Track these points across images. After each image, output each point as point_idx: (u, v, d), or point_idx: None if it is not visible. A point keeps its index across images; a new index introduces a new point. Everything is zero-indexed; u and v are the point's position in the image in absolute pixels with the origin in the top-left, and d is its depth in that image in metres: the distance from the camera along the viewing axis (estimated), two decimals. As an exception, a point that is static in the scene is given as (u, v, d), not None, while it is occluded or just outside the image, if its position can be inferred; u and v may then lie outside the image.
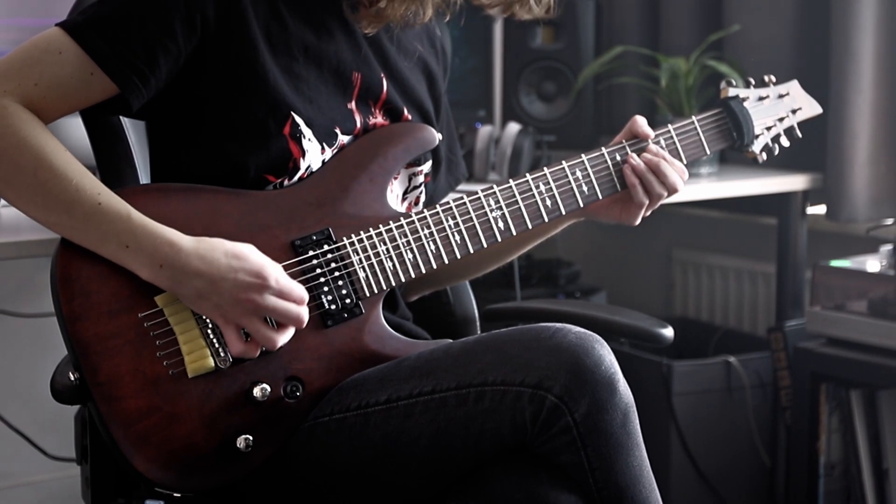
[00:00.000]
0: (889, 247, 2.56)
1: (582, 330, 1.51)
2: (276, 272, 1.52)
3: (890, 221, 2.56)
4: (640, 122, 1.77)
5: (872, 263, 2.59)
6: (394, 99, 1.73)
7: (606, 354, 1.48)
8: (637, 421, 1.50)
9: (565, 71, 2.92)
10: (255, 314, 1.51)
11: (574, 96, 2.91)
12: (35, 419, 2.77)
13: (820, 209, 2.83)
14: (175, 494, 1.57)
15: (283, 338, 1.53)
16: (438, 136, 1.73)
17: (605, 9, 3.12)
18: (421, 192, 1.78)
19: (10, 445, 2.78)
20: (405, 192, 1.76)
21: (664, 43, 3.04)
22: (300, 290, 1.54)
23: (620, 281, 3.41)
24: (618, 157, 1.75)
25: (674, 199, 2.58)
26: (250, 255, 1.52)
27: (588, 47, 2.93)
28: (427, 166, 1.77)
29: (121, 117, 1.70)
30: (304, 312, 1.53)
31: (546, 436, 1.46)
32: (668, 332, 1.80)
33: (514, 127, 2.67)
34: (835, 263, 2.62)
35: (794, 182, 2.76)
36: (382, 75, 1.72)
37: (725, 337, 3.10)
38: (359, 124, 1.69)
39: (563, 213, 1.72)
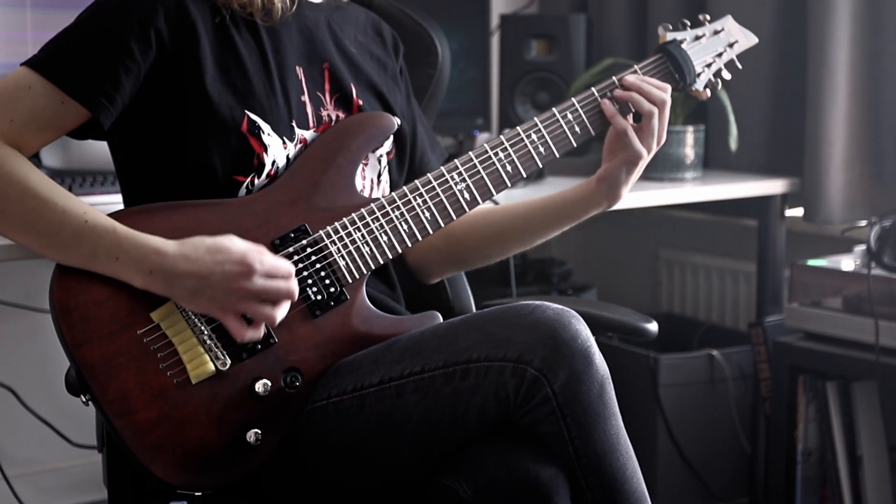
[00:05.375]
0: (862, 247, 2.55)
1: (559, 306, 1.51)
2: (258, 255, 1.52)
3: (863, 223, 2.55)
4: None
5: (847, 262, 2.59)
6: (340, 85, 1.72)
7: (582, 329, 1.48)
8: (613, 392, 1.50)
9: (558, 81, 2.92)
10: (249, 298, 1.51)
11: (566, 105, 2.91)
12: (59, 409, 2.77)
13: (798, 211, 2.83)
14: (196, 493, 1.56)
15: (281, 313, 1.53)
16: (396, 121, 1.73)
17: (596, 23, 3.13)
18: (389, 171, 1.77)
19: (36, 434, 2.78)
20: (378, 175, 1.75)
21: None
22: (286, 266, 1.54)
23: (610, 279, 3.41)
24: (569, 116, 1.73)
25: (661, 202, 2.60)
26: (231, 245, 1.51)
27: (579, 59, 2.92)
28: (388, 145, 1.77)
29: None
30: (293, 286, 1.53)
31: (527, 407, 1.46)
32: (653, 326, 1.79)
33: (510, 134, 2.66)
34: (812, 262, 2.62)
35: (773, 186, 2.76)
36: (326, 63, 1.72)
37: (709, 332, 3.09)
38: (311, 116, 1.68)
39: (524, 175, 1.71)
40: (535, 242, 1.86)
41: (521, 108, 2.94)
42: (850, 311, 2.51)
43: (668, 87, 1.76)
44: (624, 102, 1.73)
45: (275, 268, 1.52)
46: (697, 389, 2.81)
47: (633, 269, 3.45)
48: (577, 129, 1.73)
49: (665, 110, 1.73)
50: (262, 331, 1.53)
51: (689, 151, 2.69)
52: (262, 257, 1.52)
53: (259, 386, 1.54)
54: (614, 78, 1.75)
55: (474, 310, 1.96)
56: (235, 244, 1.52)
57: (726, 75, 1.85)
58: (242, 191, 1.62)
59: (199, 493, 1.56)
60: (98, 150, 1.87)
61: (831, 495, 2.60)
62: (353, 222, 1.62)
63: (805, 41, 2.74)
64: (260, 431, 1.54)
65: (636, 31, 3.11)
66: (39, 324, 2.75)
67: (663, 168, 2.67)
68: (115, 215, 1.55)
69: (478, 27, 3.02)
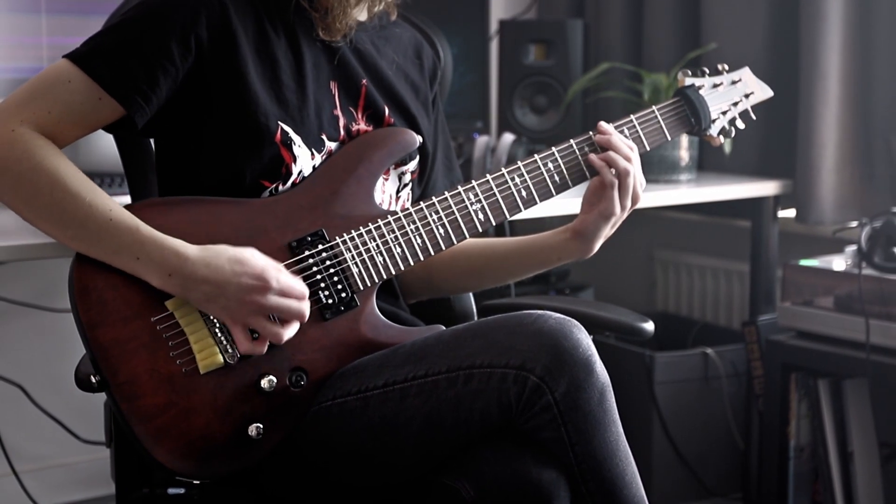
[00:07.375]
0: (853, 247, 2.56)
1: (561, 316, 1.51)
2: (276, 273, 1.52)
3: (854, 224, 2.55)
4: (603, 125, 1.76)
5: (838, 262, 2.59)
6: (373, 103, 1.73)
7: (584, 338, 1.49)
8: (613, 399, 1.50)
9: (556, 86, 2.92)
10: (260, 313, 1.52)
11: (564, 109, 2.91)
12: (68, 405, 2.77)
13: (790, 212, 2.83)
14: (195, 482, 1.57)
15: (289, 332, 1.54)
16: (419, 139, 1.73)
17: (593, 28, 3.13)
18: (412, 188, 1.78)
19: (45, 430, 2.79)
20: (398, 191, 1.76)
21: (647, 60, 3.04)
22: (300, 287, 1.54)
23: (606, 279, 3.41)
24: (585, 148, 1.74)
25: (656, 203, 2.61)
26: (252, 258, 1.52)
27: (577, 64, 2.93)
28: (413, 164, 1.77)
29: None
30: (305, 307, 1.54)
31: (529, 413, 1.47)
32: (649, 325, 1.80)
33: (508, 137, 2.67)
34: (804, 262, 2.62)
35: (766, 188, 2.76)
36: (364, 81, 1.72)
37: (703, 330, 3.10)
38: (342, 130, 1.69)
39: (538, 202, 1.71)
40: (510, 281, 1.88)
41: (520, 111, 2.95)
42: (842, 310, 2.51)
43: (635, 151, 1.73)
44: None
45: (290, 287, 1.53)
46: (692, 387, 2.81)
47: (629, 269, 3.45)
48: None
49: (627, 180, 1.71)
50: (264, 347, 1.54)
51: (684, 154, 2.69)
52: (280, 275, 1.52)
53: (265, 382, 1.54)
54: (591, 133, 1.75)
55: (474, 309, 1.97)
56: (256, 258, 1.52)
57: (740, 125, 1.86)
58: (265, 194, 1.62)
59: (198, 482, 1.56)
60: (105, 153, 1.87)
61: (823, 490, 2.60)
62: (368, 231, 1.62)
63: (797, 45, 2.74)
64: (262, 426, 1.54)
65: (632, 36, 3.12)
66: (49, 322, 2.76)
67: (658, 170, 2.68)
68: (138, 206, 1.55)
69: (477, 32, 3.03)
